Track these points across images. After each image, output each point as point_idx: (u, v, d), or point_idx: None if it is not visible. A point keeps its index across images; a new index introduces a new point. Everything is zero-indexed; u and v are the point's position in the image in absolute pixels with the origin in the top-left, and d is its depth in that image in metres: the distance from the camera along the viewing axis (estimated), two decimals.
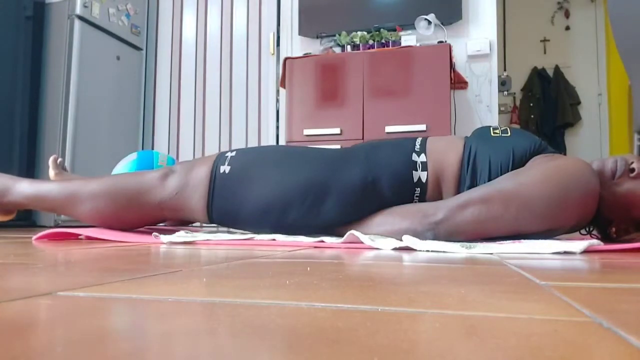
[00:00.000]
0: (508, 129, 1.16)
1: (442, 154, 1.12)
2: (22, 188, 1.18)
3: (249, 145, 3.20)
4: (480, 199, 0.99)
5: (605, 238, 1.14)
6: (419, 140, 1.16)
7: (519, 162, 1.07)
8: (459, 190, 1.10)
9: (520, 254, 0.82)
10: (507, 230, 1.00)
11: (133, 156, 1.58)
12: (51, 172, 1.56)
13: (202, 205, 1.14)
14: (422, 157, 1.12)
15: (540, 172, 1.00)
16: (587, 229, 1.18)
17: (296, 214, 1.10)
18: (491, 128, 1.17)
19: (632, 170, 1.05)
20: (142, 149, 3.40)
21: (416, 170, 1.11)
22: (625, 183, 1.05)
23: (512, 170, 1.07)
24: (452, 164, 1.10)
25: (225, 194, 1.13)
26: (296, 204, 1.10)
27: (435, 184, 1.11)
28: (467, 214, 0.99)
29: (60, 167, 1.59)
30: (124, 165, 1.57)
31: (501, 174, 1.06)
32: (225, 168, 1.15)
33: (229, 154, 1.19)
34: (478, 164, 1.08)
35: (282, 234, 1.15)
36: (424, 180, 1.10)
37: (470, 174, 1.08)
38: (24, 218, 2.65)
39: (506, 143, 1.10)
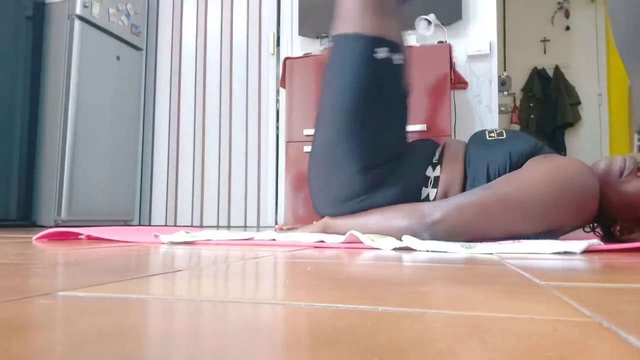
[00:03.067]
0: (503, 131, 1.16)
1: (452, 165, 1.11)
2: None
3: (249, 145, 3.19)
4: (477, 201, 0.99)
5: (608, 237, 1.14)
6: (439, 150, 1.16)
7: (516, 165, 1.08)
8: None
9: (520, 254, 0.82)
10: (504, 231, 1.00)
11: None
12: None
13: (347, 28, 1.10)
14: (437, 171, 1.11)
15: (537, 173, 1.00)
16: (591, 226, 1.18)
17: (324, 144, 1.11)
18: (486, 132, 1.17)
19: None
20: (142, 148, 3.40)
21: (426, 186, 1.10)
22: (632, 182, 1.05)
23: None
24: (457, 176, 1.10)
25: (349, 55, 1.09)
26: (334, 137, 1.10)
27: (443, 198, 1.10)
28: (464, 215, 0.99)
29: None
30: None
31: None
32: (380, 54, 1.09)
33: (396, 58, 1.12)
34: (477, 172, 1.09)
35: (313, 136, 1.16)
36: (431, 198, 1.10)
37: (470, 183, 1.09)
38: (24, 218, 2.65)
39: (502, 147, 1.10)
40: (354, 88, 1.08)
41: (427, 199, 1.10)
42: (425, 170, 1.11)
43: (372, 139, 1.09)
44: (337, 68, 1.11)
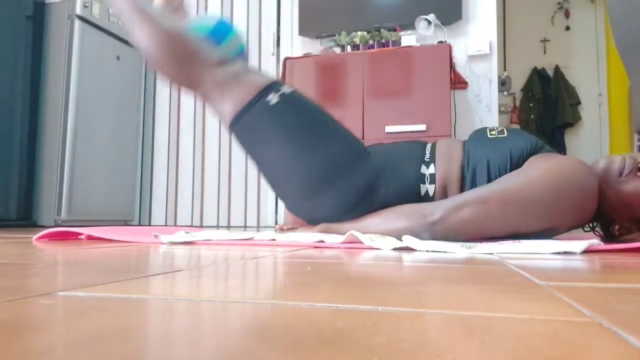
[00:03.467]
0: (505, 129, 1.17)
1: (448, 162, 1.11)
2: None
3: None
4: (477, 200, 1.00)
5: (608, 236, 1.14)
6: (428, 148, 1.16)
7: (516, 163, 1.08)
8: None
9: (520, 254, 0.82)
10: (505, 230, 1.00)
11: (212, 22, 1.41)
12: None
13: (230, 114, 1.11)
14: (431, 169, 1.11)
15: (537, 172, 1.00)
16: (591, 226, 1.18)
17: (293, 188, 1.11)
18: (488, 129, 1.17)
19: None
20: (142, 149, 3.40)
21: (424, 183, 1.10)
22: (631, 182, 1.04)
23: (510, 171, 1.07)
24: (455, 171, 1.11)
25: (255, 122, 1.10)
26: (300, 181, 1.10)
27: (442, 195, 1.10)
28: (464, 214, 0.99)
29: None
30: (199, 26, 1.39)
31: (499, 176, 1.07)
32: (273, 98, 1.10)
33: (286, 90, 1.14)
34: (477, 168, 1.09)
35: (273, 192, 1.16)
36: (431, 193, 1.10)
37: (470, 179, 1.09)
38: (24, 218, 2.65)
39: (503, 144, 1.10)
40: (285, 138, 1.09)
41: (427, 194, 1.10)
42: (420, 168, 1.11)
43: (331, 155, 1.10)
44: (257, 141, 1.12)
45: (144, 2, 1.14)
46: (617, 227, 1.11)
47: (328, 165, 1.09)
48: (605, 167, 1.07)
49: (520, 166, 1.07)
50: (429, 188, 1.10)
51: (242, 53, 1.43)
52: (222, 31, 1.42)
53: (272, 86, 1.12)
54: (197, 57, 1.11)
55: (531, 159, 1.08)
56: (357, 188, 1.09)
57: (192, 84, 1.13)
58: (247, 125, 1.11)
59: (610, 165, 1.07)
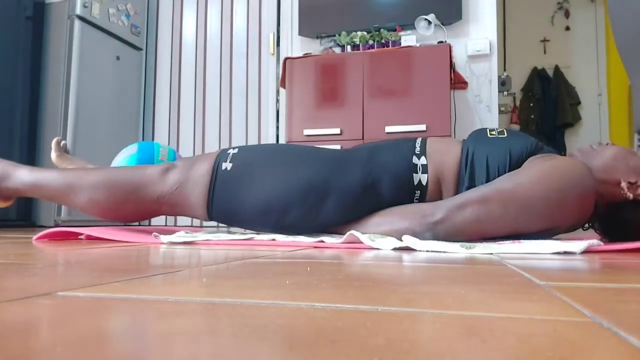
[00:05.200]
0: (505, 130, 1.18)
1: (441, 156, 1.12)
2: (22, 175, 1.18)
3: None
4: (478, 199, 1.00)
5: (606, 236, 1.14)
6: (418, 142, 1.17)
7: (515, 163, 1.08)
8: (458, 191, 1.11)
9: (520, 254, 0.82)
10: (506, 230, 1.00)
11: (133, 149, 1.52)
12: (53, 154, 1.54)
13: (202, 201, 1.14)
14: (423, 160, 1.12)
15: (538, 172, 1.01)
16: (589, 226, 1.18)
17: (295, 214, 1.10)
18: (487, 130, 1.18)
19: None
20: None
21: (416, 172, 1.11)
22: (604, 150, 1.13)
23: (509, 170, 1.07)
24: (451, 166, 1.11)
25: (225, 192, 1.13)
26: (296, 204, 1.10)
27: (436, 186, 1.11)
28: (466, 214, 1.00)
29: (63, 150, 1.57)
30: (124, 158, 1.51)
31: (499, 175, 1.07)
32: (227, 165, 1.14)
33: (231, 151, 1.18)
34: (476, 165, 1.09)
35: (281, 233, 1.15)
36: (424, 183, 1.11)
37: (468, 176, 1.09)
38: (24, 218, 2.65)
39: (503, 144, 1.11)
40: (262, 181, 1.12)
41: (420, 183, 1.11)
42: (411, 158, 1.13)
43: (313, 165, 1.12)
44: (240, 206, 1.13)
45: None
46: (626, 184, 1.07)
47: (315, 177, 1.10)
48: (581, 151, 1.15)
49: (520, 166, 1.08)
50: (421, 177, 1.11)
51: (175, 156, 1.49)
52: (147, 150, 1.49)
53: (220, 157, 1.17)
54: (142, 184, 1.14)
55: (531, 159, 1.09)
56: (353, 187, 1.09)
57: (154, 208, 1.16)
58: (222, 201, 1.13)
59: (582, 148, 1.16)
